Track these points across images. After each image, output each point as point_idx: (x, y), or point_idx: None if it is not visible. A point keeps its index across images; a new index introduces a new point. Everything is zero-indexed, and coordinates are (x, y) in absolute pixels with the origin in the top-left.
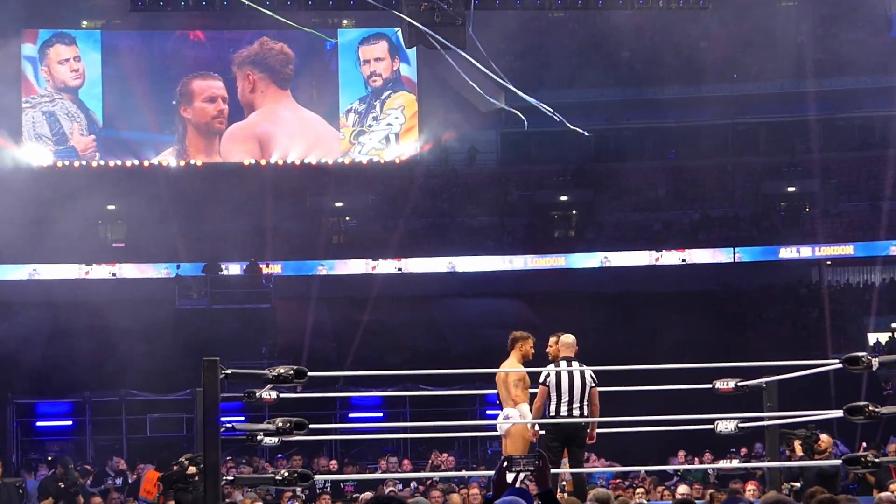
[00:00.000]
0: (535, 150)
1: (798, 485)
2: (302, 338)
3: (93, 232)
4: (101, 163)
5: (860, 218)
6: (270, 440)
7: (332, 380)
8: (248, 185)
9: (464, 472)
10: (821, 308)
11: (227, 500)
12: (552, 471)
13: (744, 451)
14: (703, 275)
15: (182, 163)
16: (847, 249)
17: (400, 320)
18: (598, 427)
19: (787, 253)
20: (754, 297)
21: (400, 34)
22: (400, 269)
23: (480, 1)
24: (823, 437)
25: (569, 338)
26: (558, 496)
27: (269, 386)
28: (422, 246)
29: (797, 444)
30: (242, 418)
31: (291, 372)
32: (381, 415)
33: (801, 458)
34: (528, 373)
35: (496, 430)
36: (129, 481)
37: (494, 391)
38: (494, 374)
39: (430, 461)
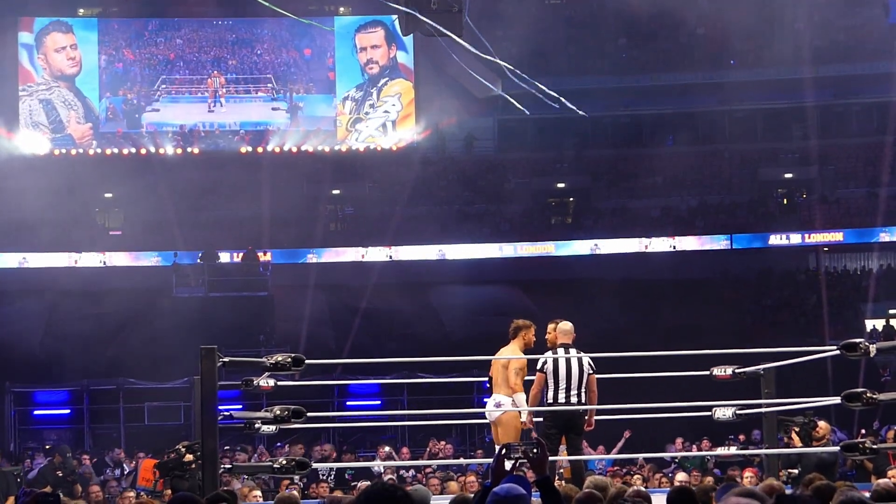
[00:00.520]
0: (532, 138)
1: (796, 472)
2: (300, 325)
3: (90, 220)
4: (98, 151)
5: (858, 205)
6: (268, 428)
7: (329, 367)
8: (245, 173)
9: (462, 460)
10: (818, 294)
11: (225, 488)
12: (550, 458)
13: (742, 437)
14: (701, 262)
15: (179, 151)
16: (837, 236)
17: (398, 307)
18: (596, 414)
19: (776, 240)
20: (752, 283)
21: (396, 21)
22: (390, 257)
23: None
24: (821, 423)
25: (566, 325)
26: (556, 484)
27: (266, 374)
28: (418, 233)
29: (794, 435)
30: (240, 406)
31: (289, 360)
32: (378, 402)
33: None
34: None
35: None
36: (127, 471)
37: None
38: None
39: (428, 449)
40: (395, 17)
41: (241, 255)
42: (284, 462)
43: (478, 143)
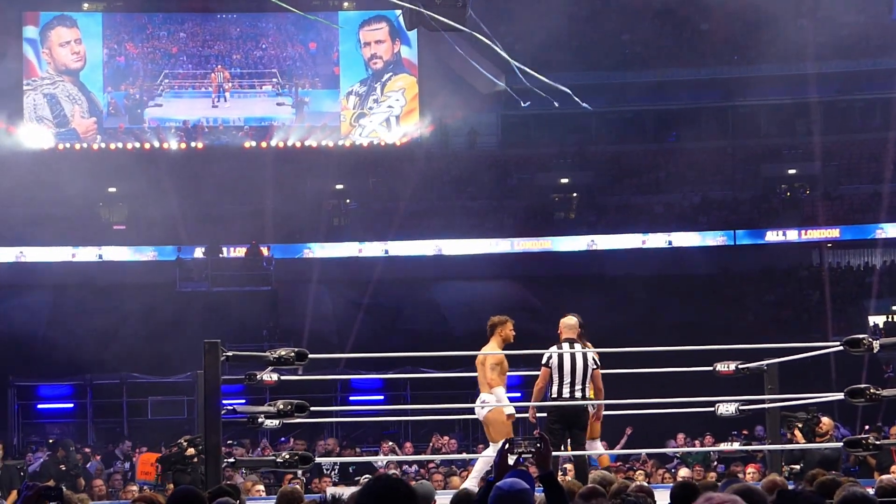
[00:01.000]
0: (535, 133)
1: (798, 467)
2: (303, 320)
3: (94, 214)
4: (102, 145)
5: (861, 201)
6: (271, 423)
7: (332, 362)
8: (249, 168)
9: (465, 455)
10: (822, 291)
11: (228, 483)
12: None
13: (745, 433)
14: (704, 258)
15: (183, 146)
16: (833, 233)
17: (401, 303)
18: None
19: (773, 236)
20: (755, 279)
21: (400, 16)
22: (386, 251)
23: None
24: (824, 419)
25: (571, 319)
26: (559, 479)
27: (270, 368)
28: (421, 229)
29: (797, 431)
30: (243, 401)
31: (292, 354)
32: (381, 397)
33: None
34: (531, 356)
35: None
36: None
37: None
38: (493, 356)
39: (431, 444)
40: (398, 11)
41: (244, 249)
42: (287, 456)
43: (481, 139)
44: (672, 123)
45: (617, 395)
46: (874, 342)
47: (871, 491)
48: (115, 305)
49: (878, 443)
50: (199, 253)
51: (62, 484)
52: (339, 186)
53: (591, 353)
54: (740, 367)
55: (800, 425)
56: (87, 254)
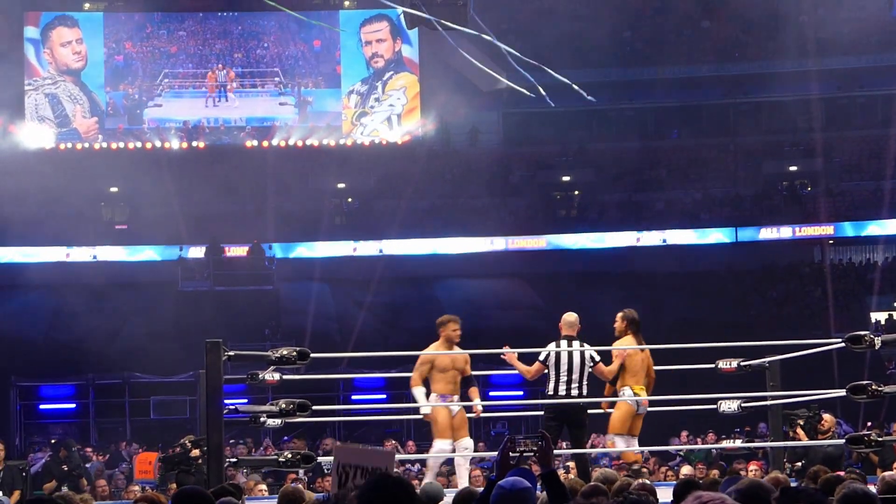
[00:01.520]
0: (536, 131)
1: (800, 465)
2: (305, 319)
3: (96, 214)
4: (104, 145)
5: (862, 197)
6: (273, 422)
7: (334, 361)
8: (250, 167)
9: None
10: (823, 287)
11: (230, 482)
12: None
13: (747, 430)
14: (705, 254)
15: (184, 145)
16: (828, 230)
17: (403, 301)
18: (600, 407)
19: (767, 234)
20: (757, 276)
21: (402, 15)
22: (381, 251)
23: None
24: (826, 416)
25: (571, 316)
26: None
27: (272, 368)
28: (423, 227)
29: (799, 429)
30: (245, 400)
31: (294, 353)
32: (384, 396)
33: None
34: (532, 353)
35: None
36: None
37: (497, 372)
38: (498, 354)
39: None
40: (399, 10)
41: (246, 248)
42: (290, 455)
43: (482, 137)
44: (673, 121)
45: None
46: (876, 339)
47: (873, 488)
48: (117, 305)
49: (880, 439)
50: (200, 252)
51: (64, 484)
52: (341, 185)
53: (590, 349)
54: (742, 364)
55: (801, 423)
56: (88, 253)
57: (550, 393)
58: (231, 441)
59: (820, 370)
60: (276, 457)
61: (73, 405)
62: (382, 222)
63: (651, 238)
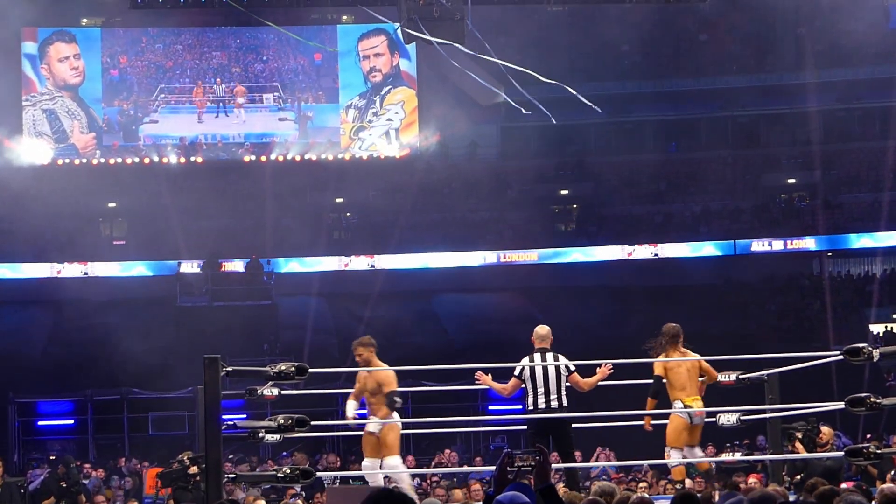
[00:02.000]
0: (535, 144)
1: (799, 478)
2: (303, 334)
3: (94, 229)
4: (102, 160)
5: (862, 209)
6: (272, 437)
7: (333, 376)
8: (248, 182)
9: (465, 468)
10: (822, 300)
11: (229, 498)
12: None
13: (746, 443)
14: (704, 267)
15: (182, 160)
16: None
17: (401, 315)
18: (599, 421)
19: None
20: (756, 288)
21: (399, 30)
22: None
23: None
24: (824, 429)
25: (543, 329)
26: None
27: (270, 383)
28: (422, 241)
29: (798, 443)
30: (244, 416)
31: (293, 369)
32: None
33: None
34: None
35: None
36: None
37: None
38: (497, 368)
39: (436, 458)
40: (397, 25)
41: (247, 263)
42: (289, 471)
43: (481, 151)
44: (671, 134)
45: (618, 405)
46: (874, 351)
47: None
48: (116, 321)
49: (878, 452)
50: (197, 268)
51: (63, 500)
52: (339, 200)
53: (564, 360)
54: (741, 377)
55: (800, 436)
56: (87, 269)
57: (531, 408)
58: (230, 456)
59: (819, 383)
60: (274, 472)
61: (72, 421)
62: (380, 237)
63: (647, 252)
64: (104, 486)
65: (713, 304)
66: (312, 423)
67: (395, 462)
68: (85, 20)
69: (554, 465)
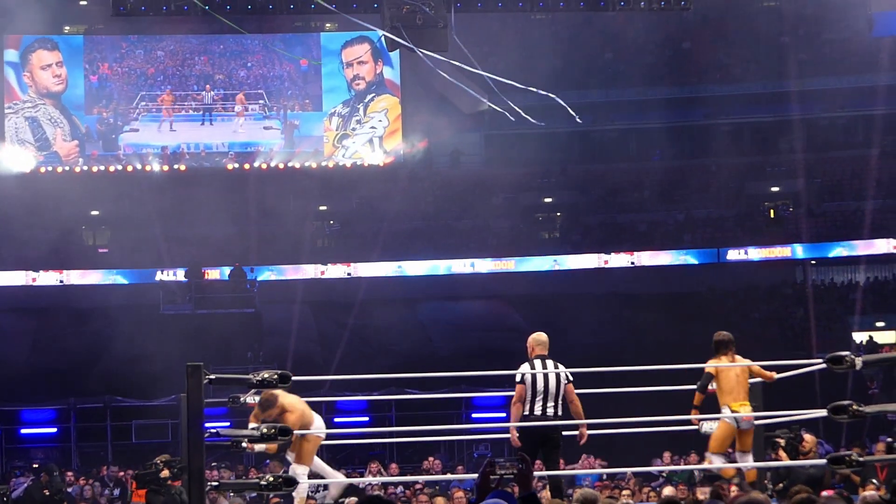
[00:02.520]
0: (518, 152)
1: (781, 485)
2: (287, 342)
3: (77, 237)
4: (85, 168)
5: (845, 218)
6: (250, 448)
7: (317, 384)
8: (232, 190)
9: (448, 476)
10: (805, 308)
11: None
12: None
13: (730, 451)
14: (688, 275)
15: (165, 168)
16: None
17: (386, 323)
18: (589, 429)
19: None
20: (740, 297)
21: (382, 37)
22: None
23: (462, 4)
24: (807, 437)
25: (541, 336)
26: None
27: (253, 391)
28: (406, 249)
29: (781, 451)
30: (227, 423)
31: (276, 376)
32: (367, 419)
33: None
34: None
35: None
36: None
37: (479, 394)
38: (481, 377)
39: (422, 466)
40: (381, 32)
41: (231, 270)
42: (272, 479)
43: (465, 158)
44: (655, 142)
45: (604, 413)
46: (857, 359)
47: None
48: (99, 329)
49: (861, 459)
50: (181, 276)
51: None
52: (323, 207)
53: (563, 368)
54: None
55: (783, 443)
56: (70, 277)
57: (526, 413)
58: (213, 464)
59: (802, 390)
60: (257, 481)
61: (55, 429)
62: (364, 245)
63: (634, 259)
64: (97, 495)
65: (696, 313)
66: (295, 431)
67: (301, 471)
68: (67, 28)
69: (537, 473)
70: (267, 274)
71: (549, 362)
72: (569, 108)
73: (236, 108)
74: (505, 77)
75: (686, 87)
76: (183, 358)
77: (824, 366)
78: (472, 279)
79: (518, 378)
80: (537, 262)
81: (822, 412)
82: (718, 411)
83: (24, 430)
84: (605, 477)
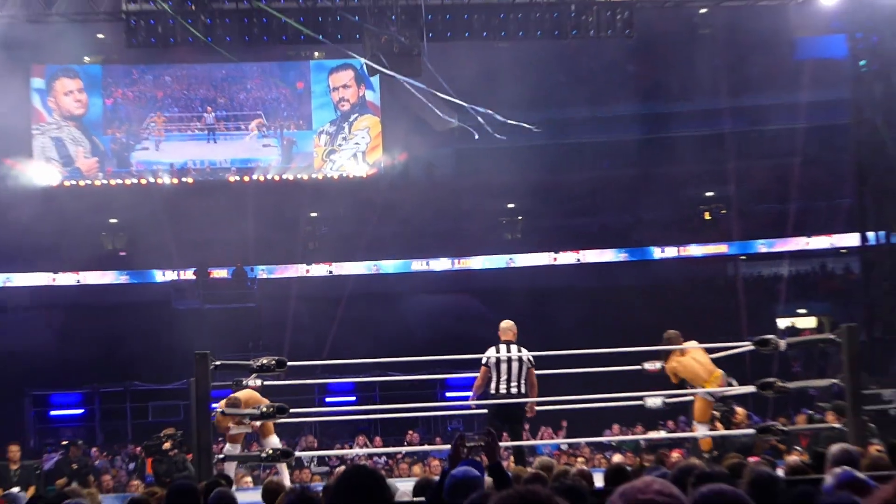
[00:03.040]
0: (486, 164)
1: (716, 452)
2: (283, 332)
3: (97, 242)
4: (104, 182)
5: (771, 218)
6: (252, 426)
7: (310, 368)
8: (233, 200)
9: (426, 447)
10: (736, 298)
11: (221, 473)
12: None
13: (670, 423)
14: (632, 271)
15: (175, 181)
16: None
17: (370, 315)
18: (548, 405)
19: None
20: (679, 289)
21: (364, 65)
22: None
23: (433, 34)
24: (739, 410)
25: (507, 323)
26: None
27: (254, 375)
28: (386, 250)
29: (717, 423)
30: None
31: (273, 362)
32: (354, 398)
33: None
34: (475, 359)
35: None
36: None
37: (452, 375)
38: (454, 360)
39: (404, 439)
40: (362, 60)
41: (233, 270)
42: (271, 451)
43: (437, 170)
44: (605, 153)
45: (563, 391)
46: (780, 342)
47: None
48: (119, 322)
49: (785, 429)
50: (190, 275)
51: (74, 481)
52: (314, 214)
53: (527, 353)
54: (665, 365)
55: (718, 415)
56: (93, 277)
57: (493, 392)
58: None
59: (734, 370)
60: (258, 453)
61: (81, 411)
62: (349, 247)
63: (580, 257)
64: (119, 468)
65: (641, 304)
66: (291, 410)
67: (275, 440)
68: (87, 58)
69: (503, 444)
70: (265, 273)
71: (514, 347)
72: (525, 125)
73: (251, 127)
74: (471, 97)
75: (632, 105)
76: (192, 347)
77: (753, 348)
78: (443, 276)
79: (483, 360)
80: (497, 260)
81: (752, 388)
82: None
83: (53, 412)
84: (562, 447)
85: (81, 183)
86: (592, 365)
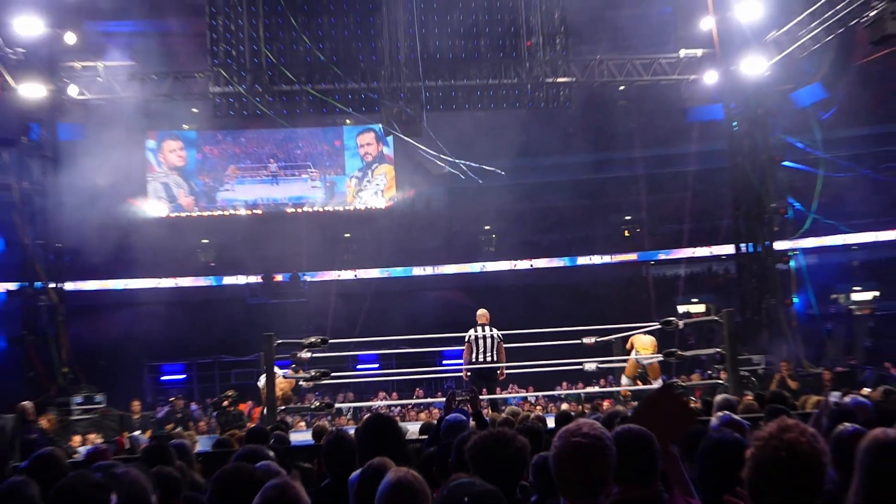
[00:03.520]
0: (472, 199)
1: (636, 403)
2: (326, 319)
3: (194, 257)
4: (199, 214)
5: (672, 235)
6: (307, 384)
7: (345, 345)
8: (290, 225)
9: (429, 399)
10: (648, 293)
11: (281, 420)
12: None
13: (602, 382)
14: (571, 274)
15: (249, 213)
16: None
17: (389, 306)
18: (514, 369)
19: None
20: (607, 286)
21: (381, 129)
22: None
23: (430, 107)
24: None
25: (482, 311)
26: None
27: (305, 349)
28: (399, 261)
29: (639, 381)
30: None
31: (319, 340)
32: (377, 366)
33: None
34: (461, 337)
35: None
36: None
37: (446, 348)
38: (448, 337)
39: (414, 395)
40: (380, 125)
41: (290, 276)
42: (318, 404)
43: (435, 203)
44: (558, 190)
45: (526, 358)
46: (680, 322)
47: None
48: (209, 313)
49: (684, 384)
50: (260, 279)
51: (179, 427)
52: (347, 235)
53: (497, 331)
54: (598, 340)
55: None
56: (188, 282)
57: (474, 361)
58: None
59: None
60: (310, 405)
61: (184, 376)
62: (372, 259)
63: (532, 264)
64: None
65: (581, 297)
66: (333, 374)
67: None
68: (185, 126)
69: (483, 397)
70: (311, 277)
71: (487, 327)
72: (495, 169)
73: (303, 174)
74: (458, 149)
75: (574, 155)
76: (261, 331)
77: (660, 326)
78: (438, 278)
79: (466, 338)
80: (476, 266)
81: (660, 356)
82: (597, 356)
83: (163, 378)
84: (526, 399)
85: (183, 214)
86: (547, 340)
